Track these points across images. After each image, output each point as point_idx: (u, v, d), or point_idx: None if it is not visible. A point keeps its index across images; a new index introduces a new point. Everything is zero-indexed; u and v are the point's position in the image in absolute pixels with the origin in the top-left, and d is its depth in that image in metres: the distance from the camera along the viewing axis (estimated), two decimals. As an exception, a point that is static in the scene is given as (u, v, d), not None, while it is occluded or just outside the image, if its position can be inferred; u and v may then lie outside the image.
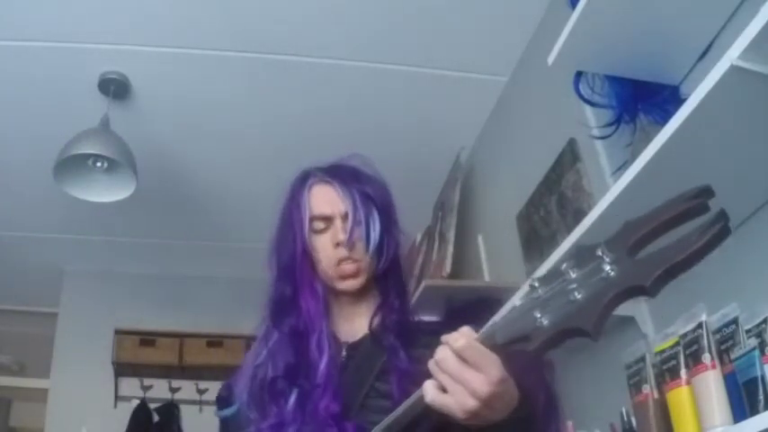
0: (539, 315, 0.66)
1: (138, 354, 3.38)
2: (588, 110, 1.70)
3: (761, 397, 1.00)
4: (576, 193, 1.84)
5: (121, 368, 3.43)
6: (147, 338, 3.40)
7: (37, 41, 2.21)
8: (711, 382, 1.09)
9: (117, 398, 3.45)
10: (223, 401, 1.10)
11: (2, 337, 4.21)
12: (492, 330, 0.72)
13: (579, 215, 1.65)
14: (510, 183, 2.39)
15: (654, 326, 1.49)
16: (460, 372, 0.71)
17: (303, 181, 1.13)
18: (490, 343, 0.71)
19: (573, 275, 0.65)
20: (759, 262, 1.20)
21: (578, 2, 1.35)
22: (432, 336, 0.79)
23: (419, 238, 2.96)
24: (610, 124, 1.54)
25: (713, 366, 1.10)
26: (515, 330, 0.69)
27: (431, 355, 0.75)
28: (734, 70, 0.92)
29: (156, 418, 3.35)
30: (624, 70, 1.47)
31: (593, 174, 1.78)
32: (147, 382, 3.44)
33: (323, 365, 1.01)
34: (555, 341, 0.65)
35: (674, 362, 1.18)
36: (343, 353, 1.06)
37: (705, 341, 1.12)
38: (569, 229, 1.44)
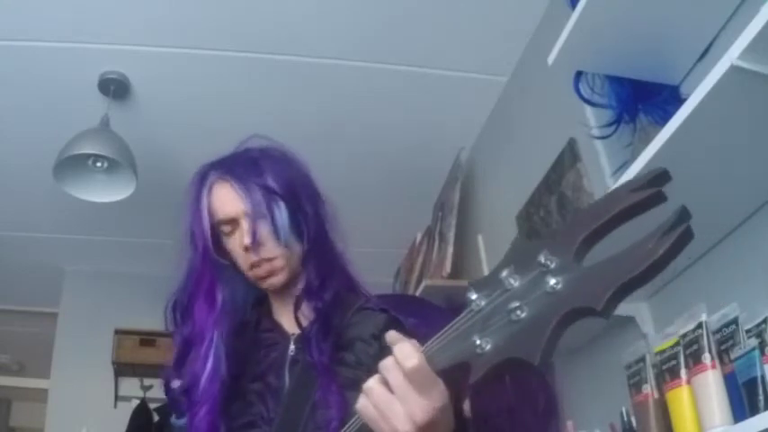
0: (478, 339, 0.58)
1: (138, 354, 3.37)
2: (588, 110, 1.70)
3: (761, 397, 1.00)
4: (576, 193, 1.84)
5: (121, 368, 3.43)
6: (147, 338, 3.39)
7: (37, 41, 2.21)
8: (711, 382, 1.09)
9: (117, 398, 3.45)
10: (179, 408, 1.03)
11: (2, 337, 4.22)
12: (429, 352, 0.64)
13: (579, 215, 1.64)
14: (510, 183, 2.39)
15: (654, 326, 1.49)
16: (405, 394, 0.64)
17: (202, 180, 1.08)
18: (431, 366, 0.64)
19: (514, 284, 0.57)
20: (759, 262, 1.20)
21: (578, 2, 1.35)
22: (362, 313, 0.74)
23: (419, 238, 2.96)
24: (610, 124, 1.54)
25: (713, 366, 1.10)
26: (455, 356, 0.61)
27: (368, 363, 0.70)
28: (734, 70, 0.92)
29: (156, 417, 3.35)
30: (624, 70, 1.47)
31: (593, 174, 1.78)
32: (147, 382, 3.44)
33: (204, 380, 0.96)
34: (498, 371, 0.58)
35: (674, 362, 1.18)
36: (292, 346, 1.02)
37: (705, 341, 1.12)
38: (569, 229, 1.44)
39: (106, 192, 2.46)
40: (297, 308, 1.03)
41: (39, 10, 2.09)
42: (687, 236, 0.50)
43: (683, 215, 0.51)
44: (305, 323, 1.02)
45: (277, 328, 1.07)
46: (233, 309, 1.06)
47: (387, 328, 0.65)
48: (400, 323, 0.91)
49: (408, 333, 0.78)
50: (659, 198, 0.53)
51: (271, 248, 1.02)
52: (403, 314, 0.93)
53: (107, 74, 2.33)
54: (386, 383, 0.65)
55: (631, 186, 0.54)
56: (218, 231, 1.07)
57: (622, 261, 0.51)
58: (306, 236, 1.04)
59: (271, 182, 1.04)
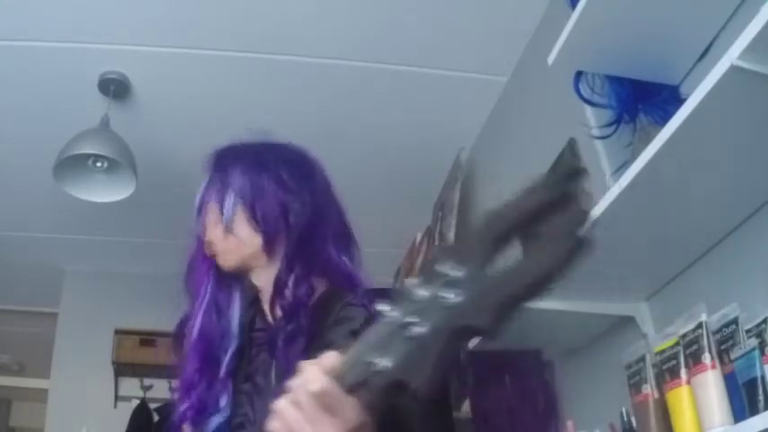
0: (377, 358, 0.53)
1: (138, 354, 3.37)
2: (588, 110, 1.70)
3: (761, 397, 1.00)
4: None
5: (121, 368, 3.43)
6: (147, 338, 3.38)
7: (37, 41, 2.21)
8: (711, 382, 1.09)
9: (117, 398, 3.44)
10: None
11: (2, 337, 4.21)
12: (338, 372, 0.61)
13: (579, 215, 1.64)
14: (510, 183, 2.36)
15: (654, 326, 1.49)
16: (314, 416, 0.62)
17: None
18: (340, 384, 0.61)
19: (418, 296, 0.51)
20: (759, 262, 1.20)
21: (578, 2, 1.35)
22: (347, 309, 0.77)
23: (419, 237, 2.96)
24: (610, 124, 1.54)
25: (713, 366, 1.10)
26: (357, 374, 0.58)
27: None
28: (734, 70, 0.92)
29: (156, 417, 3.35)
30: (624, 70, 1.47)
31: (593, 174, 1.77)
32: (147, 382, 3.44)
33: (195, 331, 1.06)
34: (390, 394, 0.54)
35: (674, 362, 1.18)
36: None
37: (705, 341, 1.12)
38: (569, 229, 1.44)
39: (106, 192, 2.46)
40: (271, 303, 1.06)
41: (39, 10, 2.09)
42: (583, 247, 0.43)
43: (581, 215, 0.44)
44: (272, 321, 1.04)
45: (268, 327, 1.08)
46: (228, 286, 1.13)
47: (367, 324, 0.62)
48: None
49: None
50: (575, 195, 0.47)
51: (210, 233, 1.11)
52: None
53: (107, 74, 2.33)
54: (298, 404, 0.63)
55: (545, 183, 0.49)
56: None
57: (514, 274, 0.45)
58: (265, 229, 1.07)
59: (232, 175, 1.12)
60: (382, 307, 0.55)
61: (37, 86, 2.38)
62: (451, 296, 0.47)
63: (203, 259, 1.13)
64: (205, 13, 2.14)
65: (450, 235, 2.49)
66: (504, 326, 0.46)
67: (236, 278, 1.12)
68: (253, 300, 1.13)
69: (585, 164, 1.82)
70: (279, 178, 1.12)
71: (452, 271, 0.48)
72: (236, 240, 1.08)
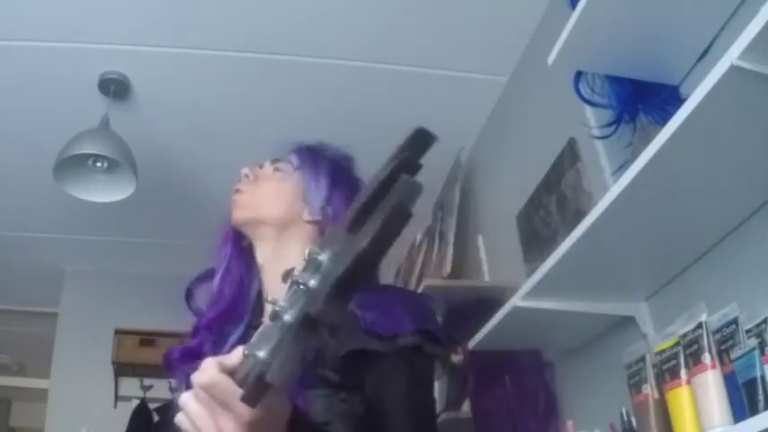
0: (258, 350, 0.53)
1: (138, 354, 3.37)
2: (588, 110, 1.70)
3: (761, 397, 1.00)
4: (576, 193, 1.84)
5: (121, 368, 3.43)
6: (147, 338, 3.39)
7: (37, 41, 2.21)
8: (711, 382, 1.09)
9: (117, 398, 3.45)
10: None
11: (2, 337, 4.21)
12: (238, 364, 0.61)
13: (579, 215, 1.64)
14: (510, 183, 2.39)
15: (654, 326, 1.49)
16: (210, 409, 0.63)
17: None
18: (235, 379, 0.61)
19: (295, 286, 0.49)
20: (759, 262, 1.20)
21: (578, 2, 1.35)
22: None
23: (419, 238, 2.96)
24: (610, 124, 1.54)
25: (713, 366, 1.10)
26: (247, 366, 0.57)
27: None
28: (734, 70, 0.92)
29: (156, 417, 3.35)
30: (624, 70, 1.47)
31: (593, 174, 1.77)
32: (147, 382, 3.44)
33: (215, 289, 1.10)
34: (262, 387, 0.53)
35: (674, 362, 1.18)
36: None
37: (705, 341, 1.12)
38: (569, 230, 1.44)
39: (106, 192, 2.46)
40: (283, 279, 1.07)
41: (39, 10, 2.09)
42: (397, 217, 0.40)
43: (411, 187, 0.40)
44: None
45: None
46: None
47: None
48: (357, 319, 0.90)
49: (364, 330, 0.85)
50: (413, 165, 0.46)
51: (245, 182, 1.14)
52: (367, 309, 0.91)
53: (107, 74, 2.33)
54: (197, 398, 0.65)
55: (393, 158, 0.47)
56: None
57: (344, 252, 0.43)
58: (315, 207, 1.10)
59: (303, 153, 1.19)
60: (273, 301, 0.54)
61: (37, 86, 2.38)
62: (311, 282, 0.46)
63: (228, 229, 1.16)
64: (205, 13, 2.14)
65: (450, 235, 2.49)
66: (339, 311, 0.44)
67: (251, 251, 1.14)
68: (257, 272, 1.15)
69: (585, 164, 1.82)
70: (342, 183, 1.18)
71: (316, 255, 0.47)
72: (260, 202, 1.11)
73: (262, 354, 0.51)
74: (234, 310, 1.09)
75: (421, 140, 0.47)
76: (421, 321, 0.95)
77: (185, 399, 0.65)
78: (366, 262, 0.43)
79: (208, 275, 1.15)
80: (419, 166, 0.46)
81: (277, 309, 0.50)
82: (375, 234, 0.42)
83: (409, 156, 0.46)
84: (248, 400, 0.52)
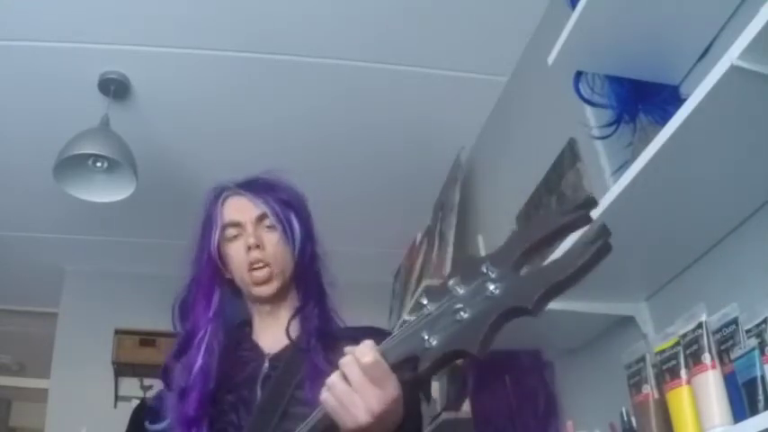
0: (426, 336, 0.67)
1: (138, 354, 3.37)
2: (588, 110, 1.70)
3: (761, 397, 1.00)
4: (576, 193, 1.84)
5: (121, 368, 3.43)
6: (147, 338, 3.39)
7: (37, 41, 2.21)
8: (711, 382, 1.09)
9: (117, 398, 3.44)
10: (154, 414, 1.06)
11: (2, 337, 4.21)
12: (383, 349, 0.74)
13: (579, 215, 1.64)
14: (510, 183, 2.39)
15: (654, 326, 1.49)
16: (362, 387, 0.72)
17: (217, 195, 1.17)
18: (386, 360, 0.73)
19: (460, 292, 0.66)
20: (759, 262, 1.20)
21: (578, 2, 1.35)
22: (351, 342, 0.79)
23: (419, 238, 2.96)
24: (610, 124, 1.54)
25: (713, 366, 1.10)
26: (405, 351, 0.71)
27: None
28: (734, 70, 0.92)
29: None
30: (624, 70, 1.47)
31: (593, 174, 1.78)
32: (147, 382, 3.43)
33: (196, 368, 1.04)
34: (444, 362, 0.67)
35: (674, 362, 1.18)
36: (266, 364, 1.07)
37: (705, 341, 1.12)
38: (569, 229, 1.44)
39: (106, 192, 2.46)
40: (290, 322, 1.10)
41: (39, 10, 2.09)
42: (605, 249, 0.59)
43: (602, 231, 0.59)
44: (294, 336, 1.09)
45: (255, 348, 1.11)
46: (224, 316, 1.13)
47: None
48: None
49: None
50: (586, 220, 0.62)
51: (271, 253, 1.10)
52: None
53: (107, 74, 2.33)
54: (346, 378, 0.73)
55: (561, 210, 0.64)
56: (222, 237, 1.13)
57: (551, 269, 0.60)
58: (301, 258, 1.12)
59: (286, 197, 1.14)
60: (422, 300, 0.69)
61: (37, 86, 2.38)
62: (492, 288, 0.63)
63: (212, 275, 1.14)
64: (205, 13, 2.14)
65: (451, 235, 2.49)
66: (544, 307, 0.60)
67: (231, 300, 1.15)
68: (239, 324, 1.16)
69: (585, 164, 1.82)
70: (308, 221, 1.18)
71: (489, 272, 0.64)
72: (284, 264, 1.12)
73: (433, 340, 0.66)
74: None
75: (587, 206, 0.64)
76: None
77: (333, 379, 0.74)
78: (576, 276, 0.60)
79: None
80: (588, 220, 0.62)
81: (456, 307, 0.65)
82: (586, 261, 0.59)
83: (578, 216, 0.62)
84: (484, 351, 0.63)
